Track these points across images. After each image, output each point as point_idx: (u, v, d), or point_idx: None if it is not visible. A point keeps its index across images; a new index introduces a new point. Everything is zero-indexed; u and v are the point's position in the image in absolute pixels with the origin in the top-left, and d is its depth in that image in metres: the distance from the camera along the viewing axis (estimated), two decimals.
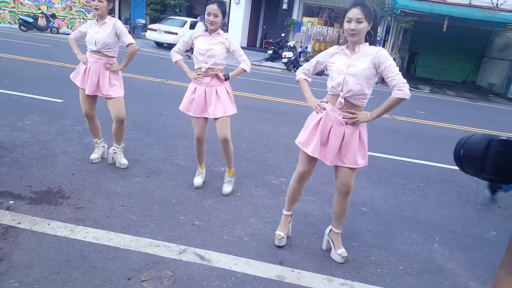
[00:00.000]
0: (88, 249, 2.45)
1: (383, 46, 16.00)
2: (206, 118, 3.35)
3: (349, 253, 2.79)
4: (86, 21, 3.79)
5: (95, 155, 3.85)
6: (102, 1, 3.36)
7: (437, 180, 4.62)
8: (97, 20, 3.48)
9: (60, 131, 4.58)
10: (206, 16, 3.13)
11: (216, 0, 3.09)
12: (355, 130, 2.46)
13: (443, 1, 14.53)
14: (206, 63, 3.20)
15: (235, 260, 2.54)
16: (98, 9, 3.36)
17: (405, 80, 2.32)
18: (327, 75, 2.53)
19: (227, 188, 3.53)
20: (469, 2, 14.39)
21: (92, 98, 3.64)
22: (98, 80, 3.53)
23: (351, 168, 2.51)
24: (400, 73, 2.33)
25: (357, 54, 2.37)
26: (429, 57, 19.20)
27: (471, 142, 1.08)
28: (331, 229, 2.77)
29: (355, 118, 2.42)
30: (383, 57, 2.30)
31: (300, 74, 2.70)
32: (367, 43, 2.39)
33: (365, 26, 2.28)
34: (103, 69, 3.52)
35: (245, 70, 3.32)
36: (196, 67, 3.29)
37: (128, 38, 3.51)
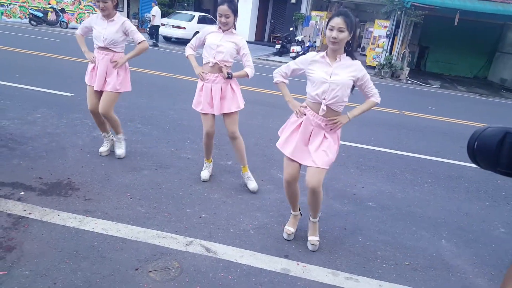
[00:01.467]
0: (96, 240, 2.49)
1: (393, 41, 15.84)
2: (214, 114, 3.37)
3: (355, 248, 2.80)
4: (94, 16, 3.82)
5: (104, 148, 3.89)
6: (106, 1, 3.36)
7: (446, 176, 4.58)
8: (105, 16, 3.49)
9: (69, 124, 4.64)
10: (218, 17, 3.15)
11: (226, 0, 3.08)
12: (333, 134, 2.58)
13: None
14: (214, 58, 3.21)
15: (240, 252, 2.56)
16: (104, 9, 3.38)
17: (377, 90, 2.63)
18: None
19: (251, 185, 3.53)
20: None
21: (99, 94, 3.65)
22: (106, 75, 3.56)
23: (322, 168, 2.52)
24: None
25: (338, 63, 2.47)
26: (439, 52, 18.95)
27: (486, 135, 1.06)
28: (310, 219, 2.80)
29: (338, 124, 2.54)
30: (363, 74, 2.50)
31: (278, 76, 2.76)
32: (345, 53, 2.49)
33: (346, 35, 2.37)
34: (111, 64, 3.55)
35: (247, 75, 3.29)
36: (204, 62, 3.30)
37: (139, 36, 3.56)
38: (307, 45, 15.74)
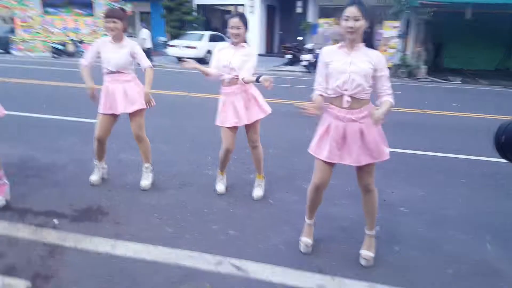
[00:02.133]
0: (129, 264, 2.51)
1: (406, 41, 15.62)
2: (235, 130, 3.38)
3: (391, 257, 2.71)
4: (101, 40, 3.85)
5: (95, 177, 3.75)
6: (116, 22, 3.32)
7: (480, 174, 4.40)
8: (113, 39, 3.44)
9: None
10: (229, 29, 3.19)
11: (237, 13, 3.20)
12: (370, 123, 2.39)
13: None
14: (229, 73, 3.25)
15: (272, 269, 2.52)
16: (114, 30, 3.34)
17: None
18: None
19: (258, 192, 3.56)
20: None
21: (111, 122, 3.59)
22: (126, 95, 3.49)
23: (371, 164, 2.49)
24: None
25: (356, 52, 2.38)
26: (456, 47, 18.51)
27: None
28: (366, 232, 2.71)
29: (380, 118, 2.28)
30: (383, 65, 2.39)
31: (316, 92, 2.54)
32: (364, 43, 2.41)
33: (362, 23, 2.30)
34: (127, 85, 3.49)
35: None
36: (220, 78, 3.34)
37: (146, 62, 3.49)
38: (317, 52, 15.71)
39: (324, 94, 2.49)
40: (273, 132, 5.82)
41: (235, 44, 3.26)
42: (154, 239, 2.81)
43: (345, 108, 2.40)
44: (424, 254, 2.77)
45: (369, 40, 2.42)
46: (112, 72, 3.46)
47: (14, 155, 4.45)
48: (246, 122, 3.32)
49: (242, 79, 3.15)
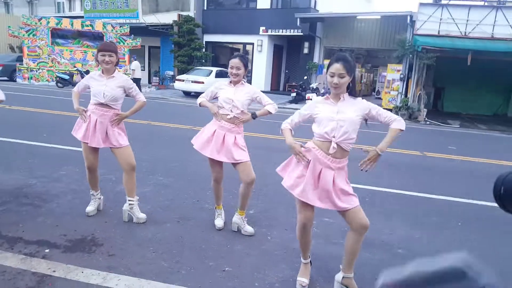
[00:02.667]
0: None
1: (407, 84, 16.01)
2: (221, 162, 3.46)
3: None
4: (93, 74, 4.04)
5: (91, 208, 3.74)
6: (112, 56, 3.45)
7: (477, 217, 4.39)
8: (103, 72, 3.53)
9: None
10: (229, 69, 3.37)
11: (238, 55, 3.38)
12: (341, 172, 2.53)
13: (464, 36, 14.55)
14: (231, 111, 3.37)
15: None
16: (109, 63, 3.44)
17: (397, 116, 2.56)
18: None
19: (248, 229, 3.54)
20: (492, 35, 14.32)
21: (96, 151, 3.65)
22: (106, 132, 3.53)
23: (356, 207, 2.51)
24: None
25: (342, 102, 2.51)
26: (456, 92, 18.94)
27: (511, 179, 1.03)
28: (343, 276, 2.65)
29: (373, 160, 2.50)
30: (369, 107, 2.52)
31: (285, 124, 2.77)
32: (347, 93, 2.54)
33: (346, 79, 2.43)
34: (110, 122, 3.54)
35: (270, 112, 3.45)
36: (221, 112, 3.42)
37: (141, 97, 3.66)
38: (322, 92, 16.05)
39: (291, 131, 2.72)
40: (274, 169, 5.82)
41: (234, 83, 3.42)
42: (148, 273, 2.74)
43: (328, 155, 2.48)
44: None
45: (352, 89, 2.55)
46: (100, 104, 3.51)
47: (10, 182, 4.44)
48: (229, 160, 3.38)
49: (254, 114, 3.41)
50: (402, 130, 2.50)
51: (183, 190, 4.63)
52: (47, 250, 2.98)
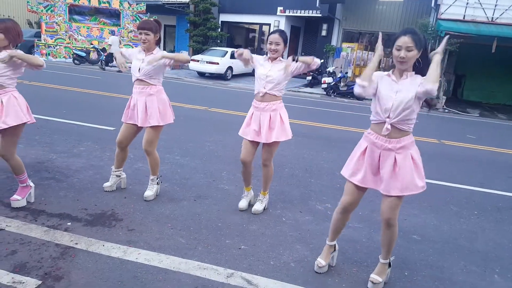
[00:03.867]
0: (140, 270, 2.52)
1: None
2: (256, 144, 3.43)
3: (401, 283, 2.68)
4: (135, 50, 4.08)
5: (108, 183, 3.79)
6: (149, 34, 3.35)
7: (493, 207, 4.34)
8: (145, 51, 3.48)
9: (112, 157, 4.79)
10: (268, 45, 3.28)
11: (278, 30, 3.29)
12: (406, 154, 2.38)
13: (491, 21, 14.04)
14: (264, 87, 3.31)
15: (282, 286, 2.51)
16: (145, 42, 3.37)
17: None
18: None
19: (257, 206, 3.59)
20: None
21: (134, 130, 3.64)
22: (146, 109, 3.49)
23: (398, 197, 2.40)
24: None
25: (404, 80, 2.35)
26: (477, 80, 18.44)
27: None
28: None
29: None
30: (422, 79, 2.30)
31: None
32: (414, 71, 2.37)
33: (415, 54, 2.28)
34: (149, 98, 3.49)
35: (313, 61, 3.25)
36: (255, 91, 3.41)
37: (179, 55, 3.55)
38: (338, 76, 15.82)
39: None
40: (290, 152, 5.84)
41: (272, 59, 3.34)
42: (167, 249, 2.82)
43: (383, 136, 2.38)
44: (433, 282, 2.73)
45: (421, 69, 2.35)
46: (138, 81, 3.50)
47: (31, 156, 4.56)
48: (264, 141, 3.35)
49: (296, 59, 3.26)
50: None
51: (199, 169, 4.69)
52: (69, 223, 3.08)
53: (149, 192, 3.69)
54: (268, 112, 3.34)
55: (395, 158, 2.37)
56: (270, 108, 3.33)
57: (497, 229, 3.78)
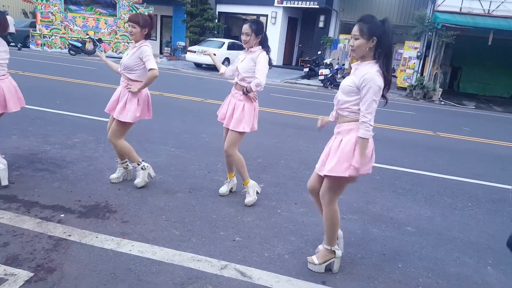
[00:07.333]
0: (133, 262, 2.51)
1: (424, 62, 15.61)
2: (227, 131, 3.54)
3: (394, 274, 2.69)
4: (130, 45, 4.13)
5: (114, 175, 3.82)
6: (135, 27, 3.39)
7: (487, 199, 4.36)
8: (134, 43, 3.53)
9: (106, 148, 4.79)
10: (241, 36, 3.41)
11: (250, 20, 3.36)
12: (346, 137, 2.36)
13: (487, 14, 14.00)
14: (237, 77, 3.44)
15: (276, 278, 2.51)
16: (132, 34, 3.43)
17: (370, 124, 2.24)
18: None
19: (246, 199, 3.60)
20: None
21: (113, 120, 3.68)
22: (118, 100, 3.55)
23: (326, 177, 2.46)
24: (370, 112, 2.22)
25: (354, 70, 2.36)
26: (473, 72, 18.46)
27: None
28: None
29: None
30: (366, 82, 2.19)
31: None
32: (373, 61, 2.27)
33: (361, 42, 2.22)
34: (123, 91, 3.54)
35: (254, 90, 3.33)
36: (235, 80, 3.52)
37: (150, 64, 3.38)
38: (335, 68, 15.76)
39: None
40: (286, 144, 5.82)
41: (246, 49, 3.43)
42: (160, 240, 2.81)
43: (333, 120, 2.58)
44: (427, 274, 2.75)
45: (383, 61, 2.25)
46: (122, 74, 3.58)
47: (24, 147, 4.52)
48: (225, 125, 3.50)
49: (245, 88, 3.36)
50: (361, 137, 2.25)
51: (194, 161, 4.67)
52: (62, 215, 3.06)
53: (137, 179, 3.74)
54: (235, 100, 3.45)
55: (339, 141, 2.41)
56: (238, 96, 3.44)
57: (491, 221, 3.80)
